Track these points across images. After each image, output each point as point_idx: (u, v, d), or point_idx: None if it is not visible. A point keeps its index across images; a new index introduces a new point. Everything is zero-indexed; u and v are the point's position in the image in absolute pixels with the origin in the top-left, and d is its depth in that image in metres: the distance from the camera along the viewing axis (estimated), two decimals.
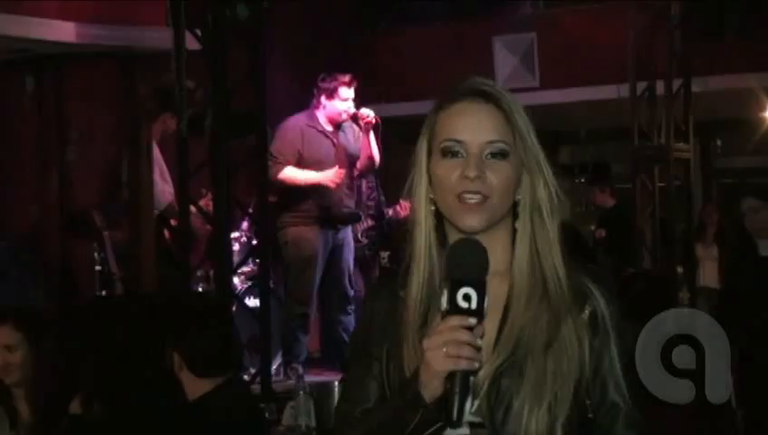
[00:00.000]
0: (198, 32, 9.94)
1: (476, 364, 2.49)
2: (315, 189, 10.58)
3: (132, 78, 11.85)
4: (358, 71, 11.31)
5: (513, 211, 2.76)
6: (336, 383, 9.20)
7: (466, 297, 2.46)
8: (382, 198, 11.38)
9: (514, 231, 2.78)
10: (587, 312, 2.71)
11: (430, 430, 2.59)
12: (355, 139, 10.89)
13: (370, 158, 10.75)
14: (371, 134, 10.81)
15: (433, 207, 2.78)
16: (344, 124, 10.88)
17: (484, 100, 2.72)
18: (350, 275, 11.05)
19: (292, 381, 9.73)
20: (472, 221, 2.66)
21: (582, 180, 16.36)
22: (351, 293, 11.02)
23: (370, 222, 11.57)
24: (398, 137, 10.94)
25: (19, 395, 6.26)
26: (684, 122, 13.30)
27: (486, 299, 2.50)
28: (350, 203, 10.84)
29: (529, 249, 2.72)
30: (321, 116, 10.74)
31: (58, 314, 9.37)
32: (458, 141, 2.68)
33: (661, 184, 13.41)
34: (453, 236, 2.75)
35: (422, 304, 2.75)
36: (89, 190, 12.52)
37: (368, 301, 3.05)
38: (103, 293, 11.37)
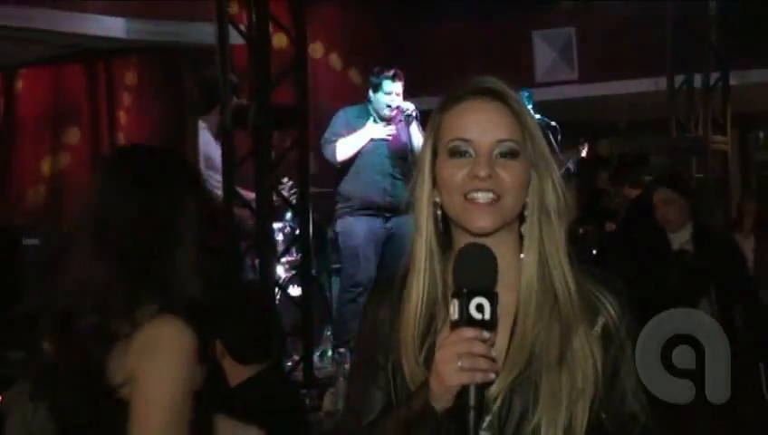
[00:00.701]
0: (242, 27, 10.02)
1: (492, 376, 2.43)
2: (359, 181, 10.65)
3: (178, 71, 11.92)
4: (402, 65, 11.37)
5: (521, 214, 2.65)
6: None
7: (479, 308, 2.39)
8: None
9: (520, 236, 2.68)
10: (599, 325, 2.63)
11: None
12: (401, 132, 10.83)
13: (410, 149, 10.65)
14: (414, 127, 10.74)
15: (439, 212, 2.67)
16: (395, 116, 10.84)
17: (491, 97, 2.61)
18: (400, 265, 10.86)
19: (333, 368, 9.80)
20: (483, 222, 2.56)
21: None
22: None
23: None
24: None
25: None
26: (722, 115, 13.27)
27: (498, 309, 2.43)
28: (396, 189, 10.71)
29: (538, 255, 2.62)
30: (371, 110, 10.77)
31: None
32: (466, 140, 2.58)
33: (699, 175, 13.30)
34: (460, 242, 2.65)
35: (423, 314, 2.66)
36: None
37: (369, 308, 2.89)
38: None
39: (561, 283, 2.57)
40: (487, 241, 2.54)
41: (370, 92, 10.83)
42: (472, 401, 2.36)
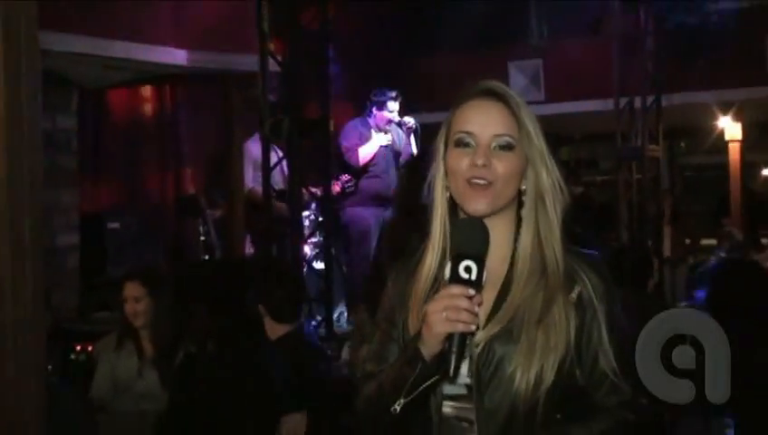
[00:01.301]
0: (279, 57, 10.13)
1: (473, 328, 2.40)
2: (373, 174, 10.69)
3: (228, 92, 11.98)
4: (402, 86, 11.42)
5: (519, 200, 2.63)
6: None
7: (467, 269, 2.38)
8: None
9: (519, 219, 2.63)
10: (575, 293, 2.58)
11: (427, 383, 2.49)
12: (399, 139, 10.80)
13: (411, 154, 10.74)
14: (411, 136, 10.83)
15: (448, 194, 2.64)
16: (390, 127, 10.78)
17: (493, 98, 2.61)
18: None
19: (349, 326, 9.85)
20: (477, 205, 2.54)
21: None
22: None
23: None
24: (432, 139, 11.10)
25: (144, 336, 6.51)
26: (655, 129, 13.27)
27: (485, 273, 2.41)
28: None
29: (532, 234, 2.58)
30: (372, 122, 10.71)
31: (173, 274, 9.50)
32: (469, 133, 2.57)
33: (638, 176, 13.31)
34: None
35: (432, 276, 2.64)
36: (196, 179, 12.74)
37: (393, 275, 2.83)
38: (206, 257, 11.63)
39: (551, 259, 2.56)
40: (486, 222, 2.52)
41: (374, 109, 10.78)
42: (454, 347, 2.36)
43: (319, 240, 11.12)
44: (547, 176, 2.57)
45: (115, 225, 11.60)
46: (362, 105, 11.00)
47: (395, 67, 13.00)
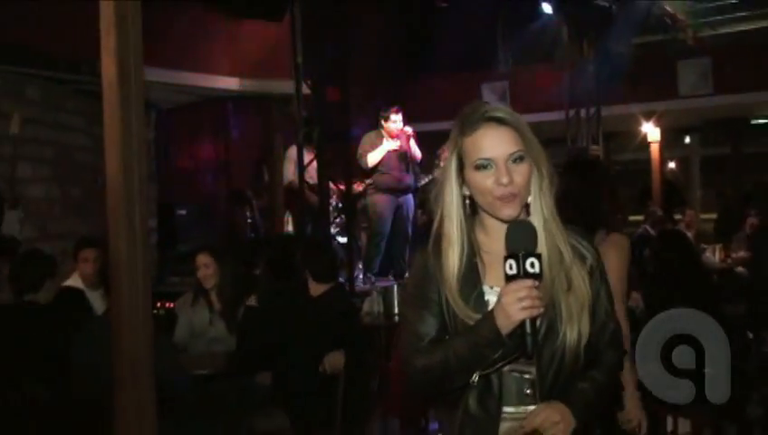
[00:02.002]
0: (309, 82, 10.19)
1: (542, 310, 2.32)
2: (386, 171, 10.66)
3: (269, 109, 12.04)
4: (403, 102, 11.46)
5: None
6: (394, 286, 8.99)
7: (532, 265, 2.30)
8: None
9: (526, 208, 2.51)
10: (587, 266, 2.53)
11: (507, 360, 2.44)
12: (404, 144, 10.82)
13: (413, 155, 10.82)
14: (412, 141, 10.84)
15: (468, 202, 2.53)
16: (401, 134, 10.75)
17: (497, 123, 2.47)
18: (409, 223, 11.01)
19: (367, 286, 10.06)
20: (510, 212, 2.44)
21: None
22: (410, 233, 11.04)
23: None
24: (428, 142, 11.24)
25: (213, 294, 6.59)
26: (596, 133, 13.30)
27: (542, 264, 2.34)
28: (406, 180, 10.83)
29: (541, 221, 2.48)
30: (382, 132, 10.70)
31: (229, 249, 9.52)
32: (487, 159, 2.44)
33: None
34: (489, 221, 2.54)
35: (463, 268, 2.51)
36: (243, 176, 12.80)
37: (419, 259, 2.65)
38: (252, 235, 11.71)
39: (560, 239, 2.49)
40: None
41: (382, 121, 10.81)
42: (529, 329, 2.30)
43: (341, 221, 11.07)
44: (546, 170, 2.49)
45: (182, 211, 11.80)
46: (374, 118, 11.07)
47: (397, 87, 13.01)
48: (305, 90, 10.19)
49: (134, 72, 4.50)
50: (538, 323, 2.36)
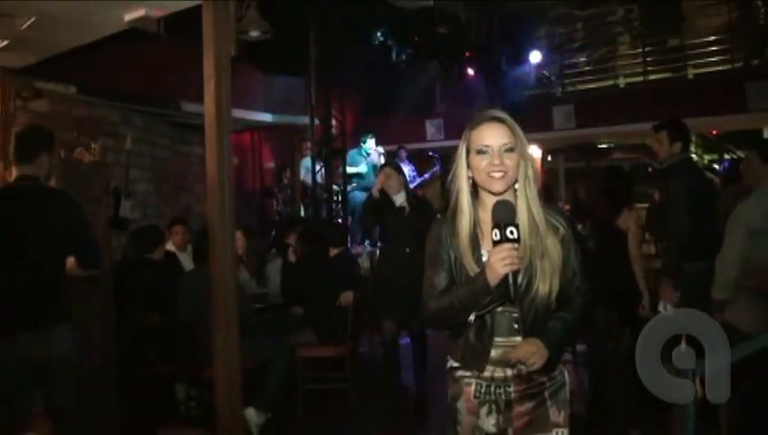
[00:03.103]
0: (318, 118, 10.22)
1: (519, 267, 2.23)
2: (361, 178, 10.68)
3: (292, 135, 12.01)
4: (375, 131, 11.49)
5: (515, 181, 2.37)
6: (375, 250, 8.59)
7: (512, 232, 2.20)
8: None
9: (515, 191, 2.38)
10: (559, 235, 2.39)
11: (495, 304, 2.34)
12: (376, 158, 10.83)
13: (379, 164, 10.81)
14: (381, 156, 10.89)
15: (471, 181, 2.40)
16: (373, 153, 10.88)
17: (497, 121, 2.37)
18: None
19: (357, 250, 9.86)
20: (498, 187, 2.33)
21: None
22: None
23: None
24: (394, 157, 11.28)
25: (243, 259, 6.49)
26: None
27: (520, 232, 2.25)
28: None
29: (525, 201, 2.36)
30: (363, 151, 10.75)
31: (259, 227, 9.47)
32: (487, 145, 2.33)
33: None
34: (485, 196, 2.41)
35: (470, 234, 2.40)
36: (270, 178, 12.70)
37: (435, 228, 2.51)
38: (277, 218, 11.64)
39: (537, 214, 2.36)
40: (502, 196, 2.35)
41: (362, 144, 10.87)
42: (511, 281, 2.20)
43: (339, 208, 11.09)
44: (530, 165, 2.39)
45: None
46: (357, 141, 11.10)
47: (371, 121, 12.98)
48: (316, 122, 10.21)
49: (225, 108, 4.52)
50: (519, 277, 2.27)
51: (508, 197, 2.35)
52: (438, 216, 2.77)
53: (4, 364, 3.45)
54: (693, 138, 14.00)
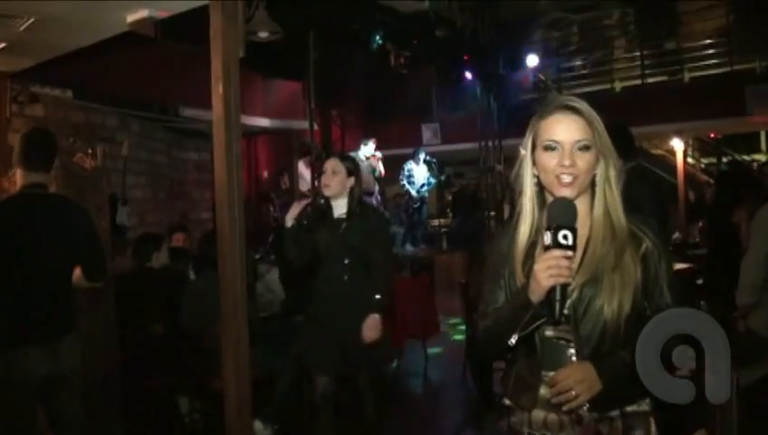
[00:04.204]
0: (317, 123, 10.10)
1: (570, 280, 1.88)
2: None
3: (290, 140, 11.89)
4: (374, 135, 11.41)
5: (593, 181, 2.00)
6: None
7: (565, 237, 1.85)
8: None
9: (593, 195, 2.01)
10: (642, 250, 1.97)
11: (536, 324, 1.94)
12: (374, 163, 10.74)
13: (380, 171, 10.74)
14: (379, 161, 10.83)
15: (536, 180, 2.02)
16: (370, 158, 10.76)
17: (571, 111, 1.97)
18: None
19: None
20: (566, 192, 1.94)
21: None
22: None
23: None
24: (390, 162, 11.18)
25: None
26: (498, 158, 13.00)
27: (576, 238, 1.87)
28: (372, 187, 10.82)
29: (603, 206, 1.98)
30: (362, 154, 10.64)
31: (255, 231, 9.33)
32: (556, 141, 1.95)
33: (490, 181, 13.15)
34: (551, 199, 2.01)
35: (529, 241, 2.03)
36: (268, 184, 12.57)
37: (498, 239, 2.17)
38: (274, 224, 11.51)
39: (617, 223, 1.97)
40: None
41: (362, 146, 10.81)
42: (557, 296, 1.86)
43: None
44: (612, 164, 1.99)
45: None
46: (357, 145, 11.00)
47: (371, 126, 12.89)
48: (316, 127, 10.09)
49: (234, 112, 4.34)
50: (574, 293, 1.93)
51: (583, 202, 2.00)
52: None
53: (14, 380, 3.34)
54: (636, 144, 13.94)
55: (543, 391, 2.00)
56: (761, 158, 12.86)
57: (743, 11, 12.63)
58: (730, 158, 14.08)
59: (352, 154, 10.68)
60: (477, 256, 10.41)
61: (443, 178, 12.92)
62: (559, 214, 1.89)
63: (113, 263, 5.68)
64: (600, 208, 2.00)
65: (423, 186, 12.21)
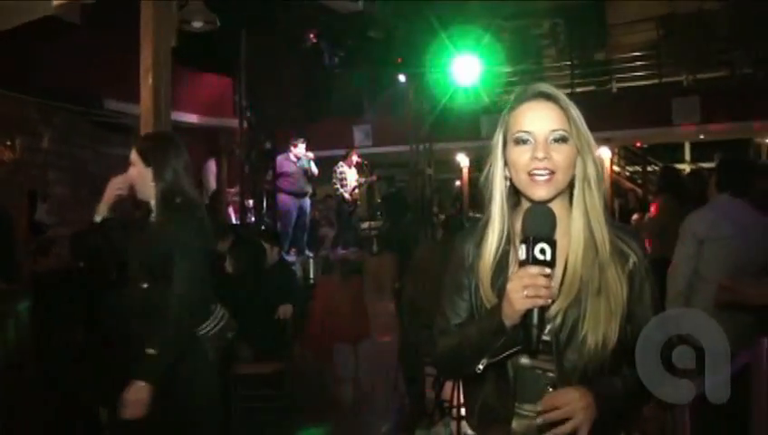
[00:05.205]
0: (245, 123, 9.83)
1: (549, 302, 1.62)
2: (293, 181, 10.40)
3: (218, 137, 11.58)
4: (305, 135, 11.23)
5: (571, 184, 1.75)
6: (310, 260, 8.69)
7: (542, 251, 1.59)
8: None
9: (571, 199, 1.76)
10: (629, 266, 1.74)
11: (509, 352, 1.70)
12: (307, 163, 10.57)
13: (312, 171, 10.61)
14: (311, 162, 10.68)
15: (508, 183, 1.76)
16: (302, 158, 10.57)
17: (545, 99, 1.74)
18: (307, 217, 10.77)
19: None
20: (541, 193, 1.69)
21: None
22: (307, 224, 10.77)
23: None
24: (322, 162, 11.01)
25: None
26: (428, 161, 13.01)
27: (555, 252, 1.62)
28: (307, 188, 10.62)
29: (582, 213, 1.73)
30: (290, 155, 10.44)
31: None
32: (528, 132, 1.70)
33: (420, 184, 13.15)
34: (526, 204, 1.76)
35: (496, 254, 1.77)
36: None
37: (458, 243, 1.88)
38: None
39: (599, 233, 1.72)
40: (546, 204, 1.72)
41: (292, 148, 10.61)
42: (534, 321, 1.60)
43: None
44: (592, 161, 1.73)
45: None
46: (287, 145, 10.77)
47: (302, 126, 12.63)
48: (245, 125, 9.81)
49: (164, 105, 4.14)
50: (556, 318, 1.70)
51: (559, 205, 1.74)
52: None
53: None
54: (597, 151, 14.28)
55: (517, 424, 1.75)
56: (685, 167, 13.25)
57: (671, 26, 12.98)
58: (655, 167, 14.42)
59: (285, 154, 10.56)
60: (407, 260, 10.34)
61: (374, 179, 12.74)
62: (535, 224, 1.64)
63: (32, 262, 5.36)
64: (579, 216, 1.75)
65: (355, 188, 12.09)
